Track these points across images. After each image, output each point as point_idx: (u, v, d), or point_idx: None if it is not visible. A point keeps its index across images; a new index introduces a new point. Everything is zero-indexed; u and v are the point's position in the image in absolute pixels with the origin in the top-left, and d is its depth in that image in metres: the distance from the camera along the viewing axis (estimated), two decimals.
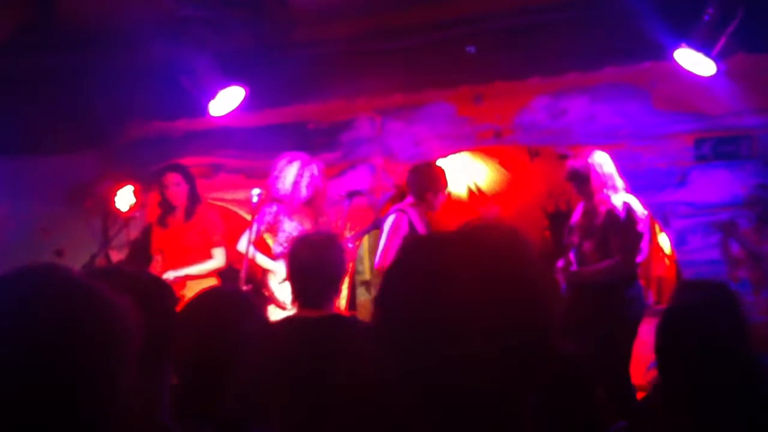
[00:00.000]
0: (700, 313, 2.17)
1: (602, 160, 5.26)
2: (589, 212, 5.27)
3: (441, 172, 5.89)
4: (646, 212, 5.26)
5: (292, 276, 3.54)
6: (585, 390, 1.97)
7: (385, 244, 5.65)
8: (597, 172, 5.20)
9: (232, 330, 2.36)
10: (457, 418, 1.15)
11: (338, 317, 3.63)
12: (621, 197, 5.19)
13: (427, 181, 5.79)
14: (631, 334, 5.11)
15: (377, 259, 5.74)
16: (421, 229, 5.74)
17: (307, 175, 5.56)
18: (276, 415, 3.04)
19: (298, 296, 3.51)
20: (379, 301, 1.23)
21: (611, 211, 5.14)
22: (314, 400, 3.11)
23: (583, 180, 5.23)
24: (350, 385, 3.14)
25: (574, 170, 5.28)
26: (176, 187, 5.80)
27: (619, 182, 5.24)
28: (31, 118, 6.38)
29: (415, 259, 1.22)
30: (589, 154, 5.31)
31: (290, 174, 5.56)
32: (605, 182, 5.19)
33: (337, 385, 3.12)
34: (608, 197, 5.17)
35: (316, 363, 3.18)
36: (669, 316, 2.24)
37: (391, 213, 5.80)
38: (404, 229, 5.64)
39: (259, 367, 2.49)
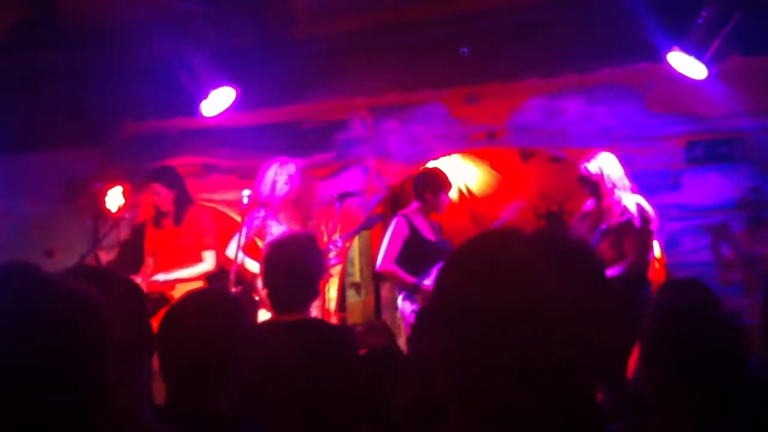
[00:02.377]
0: (677, 314, 2.14)
1: (612, 162, 5.35)
2: (602, 213, 5.33)
3: (440, 174, 6.09)
4: (653, 211, 5.34)
5: (267, 280, 3.49)
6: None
7: (386, 247, 5.81)
8: (608, 175, 5.29)
9: (221, 331, 2.33)
10: (496, 412, 1.17)
11: (311, 321, 3.60)
12: (632, 197, 5.27)
13: (424, 182, 6.00)
14: (636, 335, 5.12)
15: (378, 261, 5.86)
16: (426, 232, 5.90)
17: (284, 173, 5.68)
18: (266, 417, 3.02)
19: (272, 300, 3.46)
20: (439, 288, 1.25)
21: (625, 212, 5.23)
22: (289, 404, 3.08)
23: (595, 183, 5.31)
24: (324, 387, 3.12)
25: (587, 175, 5.36)
26: (158, 197, 5.81)
27: (627, 182, 5.33)
28: (27, 116, 6.35)
29: (482, 251, 1.24)
30: (595, 156, 5.39)
31: (269, 176, 5.73)
32: (616, 184, 5.28)
33: (310, 387, 3.10)
34: (620, 199, 5.26)
35: (288, 368, 3.15)
36: (651, 319, 2.21)
37: (394, 217, 5.99)
38: (404, 233, 5.82)
39: (245, 370, 2.47)
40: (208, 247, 5.83)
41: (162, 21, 5.55)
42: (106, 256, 6.66)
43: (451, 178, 6.23)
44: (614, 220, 5.26)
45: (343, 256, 6.20)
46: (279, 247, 3.58)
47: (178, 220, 5.82)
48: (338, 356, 3.26)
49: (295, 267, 3.43)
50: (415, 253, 5.75)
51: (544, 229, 1.31)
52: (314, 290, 3.54)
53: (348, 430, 3.07)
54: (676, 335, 2.08)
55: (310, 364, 3.17)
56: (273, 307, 3.50)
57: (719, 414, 1.98)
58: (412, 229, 5.85)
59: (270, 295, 3.49)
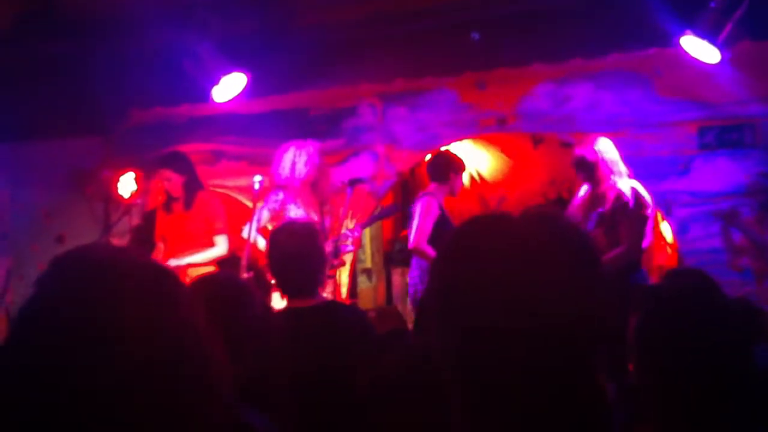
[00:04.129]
0: (669, 301, 2.11)
1: (608, 147, 5.30)
2: (598, 199, 5.29)
3: (458, 157, 6.23)
4: (650, 197, 5.29)
5: (276, 267, 3.51)
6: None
7: (418, 226, 5.87)
8: (604, 159, 5.24)
9: (230, 318, 2.34)
10: (499, 396, 1.18)
11: (334, 304, 3.62)
12: (627, 182, 5.22)
13: (448, 162, 6.14)
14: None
15: (411, 239, 5.94)
16: (447, 213, 6.01)
17: (303, 154, 5.62)
18: (278, 406, 3.03)
19: (284, 287, 3.48)
20: (436, 275, 1.26)
21: (620, 197, 5.17)
22: (320, 389, 3.10)
23: (591, 167, 5.26)
24: (354, 371, 3.13)
25: (582, 158, 5.31)
26: (168, 182, 5.80)
27: (623, 168, 5.28)
28: (34, 104, 6.37)
29: (478, 235, 1.25)
30: (594, 141, 5.34)
31: (287, 158, 5.63)
32: (612, 169, 5.23)
33: (341, 372, 3.11)
34: (615, 183, 5.21)
35: (319, 351, 3.17)
36: (641, 311, 2.17)
37: (421, 198, 6.06)
38: (435, 212, 5.92)
39: (259, 359, 2.48)
40: (219, 232, 5.83)
41: (166, 8, 5.55)
42: (117, 243, 6.71)
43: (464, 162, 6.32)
44: (608, 205, 5.22)
45: (358, 243, 6.18)
46: (285, 233, 3.60)
47: (188, 204, 5.81)
48: (363, 337, 3.29)
49: (303, 252, 3.45)
50: (439, 234, 5.79)
51: (533, 211, 1.31)
52: (321, 275, 3.57)
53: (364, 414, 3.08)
54: (667, 329, 2.05)
55: (336, 346, 3.18)
56: (284, 293, 3.52)
57: (719, 410, 1.96)
58: (441, 208, 5.98)
59: (279, 281, 3.52)
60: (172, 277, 1.22)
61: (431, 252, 5.76)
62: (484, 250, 1.21)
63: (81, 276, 1.15)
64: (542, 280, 1.18)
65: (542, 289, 1.17)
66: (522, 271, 1.18)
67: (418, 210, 5.95)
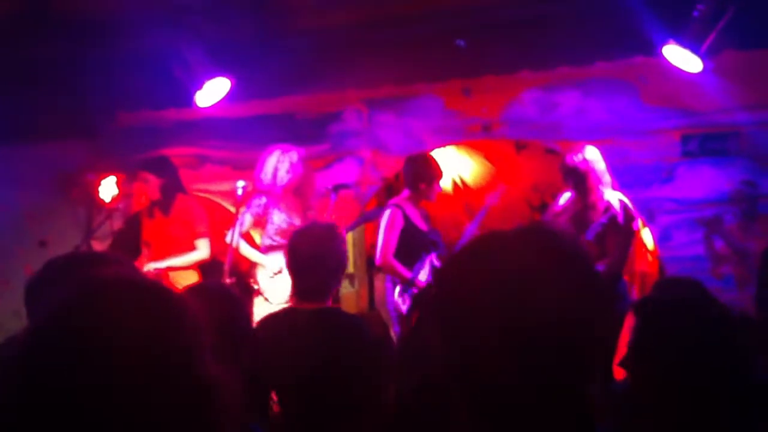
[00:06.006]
0: (670, 308, 2.14)
1: (597, 157, 5.30)
2: (588, 209, 5.29)
3: (433, 162, 5.86)
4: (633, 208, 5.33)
5: (294, 269, 3.49)
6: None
7: (383, 240, 5.66)
8: (594, 170, 5.23)
9: (223, 328, 2.32)
10: (499, 403, 1.21)
11: (335, 310, 3.61)
12: (615, 195, 5.25)
13: (418, 171, 5.79)
14: (618, 331, 5.13)
15: (377, 255, 5.74)
16: (418, 221, 5.78)
17: (286, 161, 5.59)
18: (277, 408, 3.03)
19: (298, 289, 3.46)
20: (436, 294, 1.28)
21: (608, 209, 5.19)
22: (317, 392, 3.10)
23: (582, 177, 5.24)
24: (352, 374, 3.13)
25: (573, 167, 5.28)
26: (145, 184, 5.78)
27: (609, 178, 5.30)
28: (20, 107, 6.32)
29: (475, 256, 1.28)
30: (582, 149, 5.33)
31: (270, 163, 5.61)
32: (601, 179, 5.23)
33: (339, 374, 3.12)
34: (603, 194, 5.23)
35: (318, 355, 3.17)
36: (641, 312, 2.21)
37: (387, 208, 5.81)
38: (400, 224, 5.68)
39: (253, 361, 2.47)
40: (201, 236, 5.79)
41: (155, 12, 5.53)
42: (99, 247, 6.66)
43: (442, 166, 6.08)
44: (597, 216, 5.24)
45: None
46: (305, 236, 3.58)
47: (166, 208, 5.78)
48: (356, 344, 3.29)
49: (321, 256, 3.45)
50: (408, 244, 5.66)
51: (536, 226, 1.33)
52: (338, 278, 3.57)
53: (355, 416, 3.09)
54: (664, 335, 2.07)
55: (334, 350, 3.18)
56: (295, 295, 3.51)
57: (712, 417, 1.97)
58: (406, 219, 5.73)
59: (294, 283, 3.50)
60: (173, 295, 1.21)
61: (399, 267, 5.62)
62: (482, 270, 1.24)
63: (87, 302, 1.14)
64: (541, 294, 1.20)
65: (541, 303, 1.19)
66: (520, 287, 1.21)
67: (382, 224, 5.73)
